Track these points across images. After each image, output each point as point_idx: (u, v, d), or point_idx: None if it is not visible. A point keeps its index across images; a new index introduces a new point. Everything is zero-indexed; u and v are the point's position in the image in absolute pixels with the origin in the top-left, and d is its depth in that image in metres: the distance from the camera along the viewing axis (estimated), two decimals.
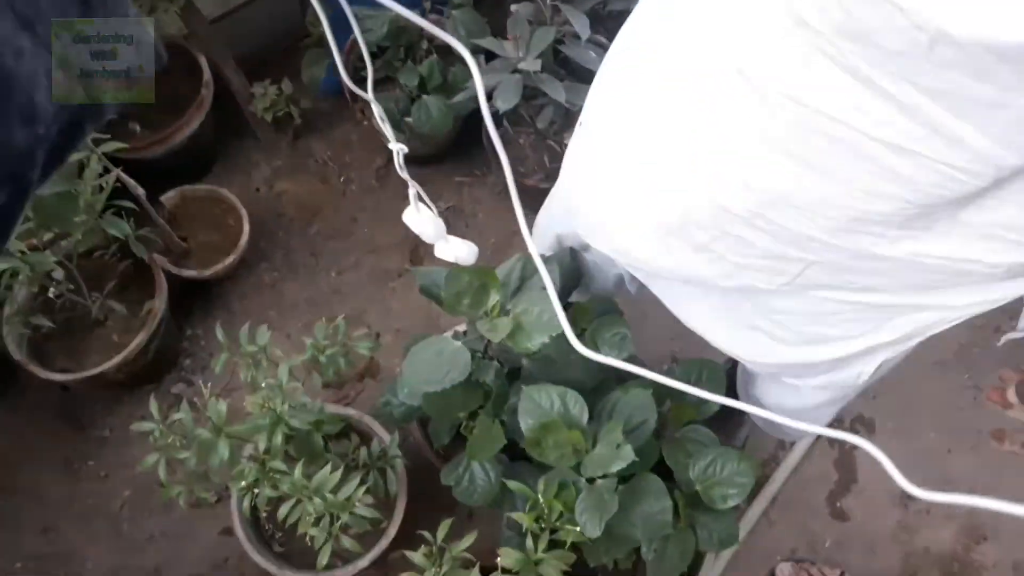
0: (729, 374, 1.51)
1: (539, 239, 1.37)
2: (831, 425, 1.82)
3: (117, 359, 1.63)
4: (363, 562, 1.46)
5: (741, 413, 1.61)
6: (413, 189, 0.87)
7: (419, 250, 2.02)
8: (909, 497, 1.72)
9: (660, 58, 0.83)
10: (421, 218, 0.96)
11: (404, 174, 0.83)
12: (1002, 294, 0.83)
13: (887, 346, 0.97)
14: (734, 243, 0.85)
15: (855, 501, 1.77)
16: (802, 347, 1.01)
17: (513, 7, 1.66)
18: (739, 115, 0.73)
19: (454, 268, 1.10)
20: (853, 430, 1.82)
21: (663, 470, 1.23)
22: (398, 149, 0.81)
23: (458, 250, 1.03)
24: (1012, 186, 0.66)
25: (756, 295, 0.96)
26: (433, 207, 0.95)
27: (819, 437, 1.80)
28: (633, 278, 1.30)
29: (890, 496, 1.77)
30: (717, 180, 0.80)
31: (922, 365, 1.85)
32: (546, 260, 1.20)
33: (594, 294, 1.44)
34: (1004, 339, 0.94)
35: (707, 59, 0.75)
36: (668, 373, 1.31)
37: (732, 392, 1.55)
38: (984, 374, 1.87)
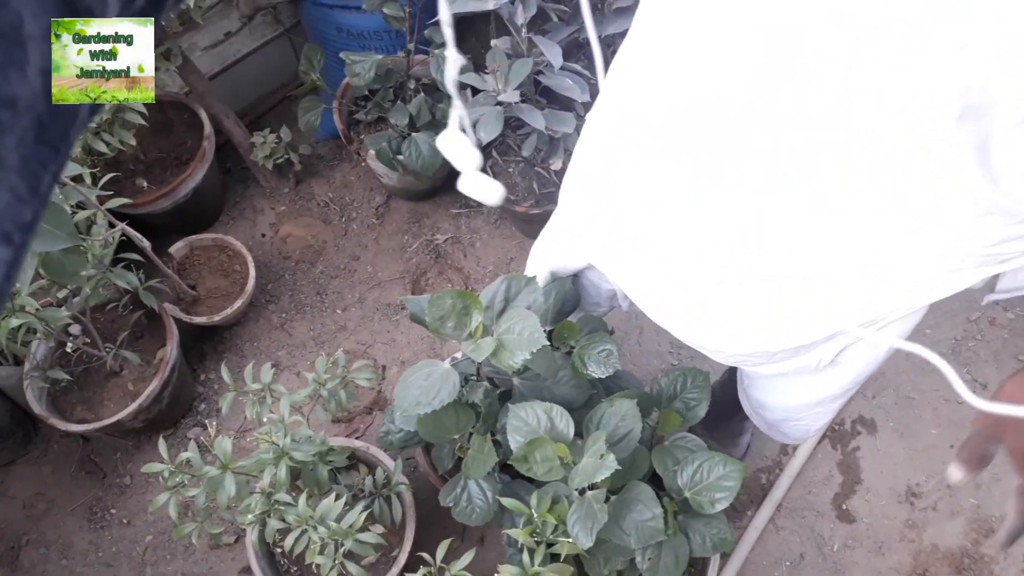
0: (731, 380, 1.52)
1: (532, 271, 1.41)
2: (834, 425, 1.83)
3: (132, 407, 1.69)
4: None
5: (742, 420, 1.62)
6: (456, 112, 0.87)
7: (420, 282, 2.06)
8: (914, 495, 1.73)
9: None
10: (456, 144, 0.93)
11: (452, 90, 0.81)
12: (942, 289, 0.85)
13: (847, 333, 0.98)
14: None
15: (861, 502, 1.76)
16: (759, 333, 1.03)
17: (493, 42, 1.72)
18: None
19: (435, 294, 1.14)
20: (855, 431, 1.82)
21: (658, 479, 1.25)
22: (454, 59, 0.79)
23: (483, 187, 1.00)
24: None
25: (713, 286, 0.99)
26: (472, 135, 0.94)
27: (821, 440, 1.79)
28: (625, 295, 1.33)
29: (895, 495, 1.76)
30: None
31: (918, 362, 1.83)
32: (530, 281, 1.24)
33: (588, 312, 1.47)
34: (986, 300, 0.96)
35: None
36: (655, 383, 1.34)
37: (732, 397, 1.57)
38: (981, 367, 1.87)
